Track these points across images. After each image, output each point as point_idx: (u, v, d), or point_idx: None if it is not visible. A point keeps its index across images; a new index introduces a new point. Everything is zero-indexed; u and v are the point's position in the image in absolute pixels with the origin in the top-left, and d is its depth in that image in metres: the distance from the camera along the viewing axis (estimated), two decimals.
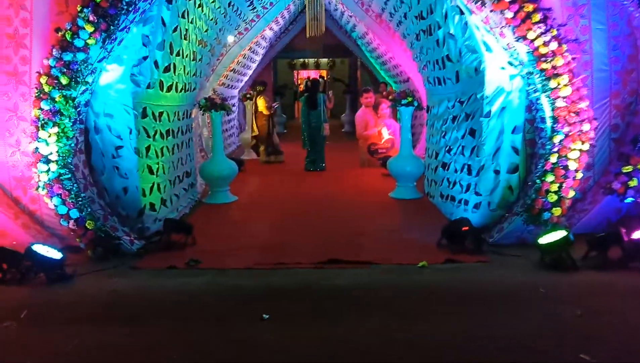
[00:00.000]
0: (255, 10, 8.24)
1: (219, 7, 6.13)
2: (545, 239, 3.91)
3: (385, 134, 8.92)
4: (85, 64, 3.87)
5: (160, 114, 5.00)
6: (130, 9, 3.95)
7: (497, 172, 4.60)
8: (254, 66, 11.69)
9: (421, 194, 6.61)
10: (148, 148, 4.75)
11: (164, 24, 4.51)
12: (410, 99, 6.40)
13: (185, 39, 5.09)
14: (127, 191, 4.51)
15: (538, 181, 4.22)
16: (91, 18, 3.80)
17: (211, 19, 5.98)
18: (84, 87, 3.96)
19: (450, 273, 3.93)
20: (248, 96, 10.46)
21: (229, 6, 6.66)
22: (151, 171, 4.82)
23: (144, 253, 4.26)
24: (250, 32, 8.71)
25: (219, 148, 6.47)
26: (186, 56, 5.28)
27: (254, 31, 8.72)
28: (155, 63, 4.58)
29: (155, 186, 4.89)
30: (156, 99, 4.80)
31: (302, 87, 19.45)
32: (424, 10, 5.20)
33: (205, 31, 5.93)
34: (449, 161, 5.35)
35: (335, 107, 16.00)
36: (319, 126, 9.04)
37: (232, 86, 10.99)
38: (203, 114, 6.55)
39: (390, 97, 10.74)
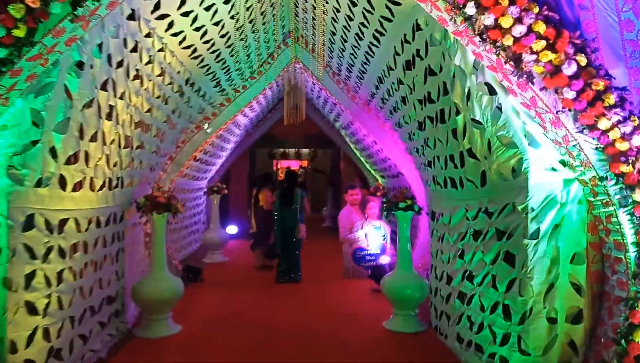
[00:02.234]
0: (224, 92, 7.07)
1: (169, 84, 4.85)
2: None
3: (374, 238, 7.48)
4: None
5: (63, 222, 3.46)
6: (5, 68, 2.56)
7: (551, 320, 3.10)
8: (224, 154, 10.41)
9: (425, 326, 5.02)
10: (31, 275, 3.15)
11: (69, 96, 3.13)
12: (409, 202, 5.03)
13: (108, 118, 3.70)
14: None
15: (621, 341, 2.74)
16: None
17: (157, 97, 4.67)
18: None
19: None
20: (215, 189, 9.06)
21: (186, 84, 5.41)
22: (33, 310, 3.18)
23: None
24: (219, 117, 7.48)
25: (159, 262, 4.87)
26: (111, 142, 3.86)
27: (224, 116, 7.49)
28: (52, 150, 3.13)
29: (39, 331, 3.23)
30: (53, 202, 3.29)
31: (281, 175, 18.32)
32: (434, 91, 3.97)
33: (147, 111, 4.59)
34: (471, 292, 3.85)
35: (316, 199, 14.71)
36: (293, 226, 7.54)
37: (197, 177, 9.60)
38: (141, 217, 5.02)
39: (379, 193, 9.49)
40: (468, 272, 3.90)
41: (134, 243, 5.35)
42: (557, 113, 2.85)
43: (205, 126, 7.40)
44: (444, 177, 4.20)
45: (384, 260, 7.36)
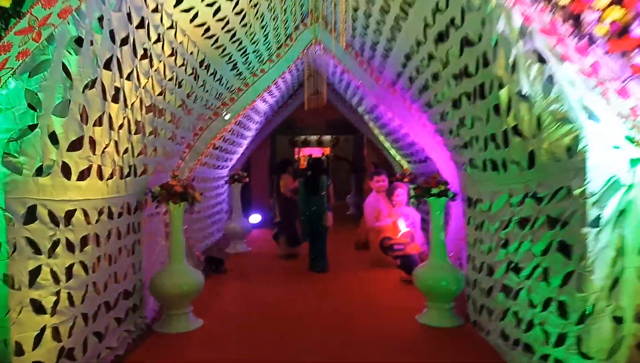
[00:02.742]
0: (241, 76, 6.75)
1: (182, 65, 4.54)
2: None
3: (403, 227, 7.11)
4: None
5: (69, 214, 3.20)
6: None
7: (617, 320, 2.70)
8: (245, 142, 10.14)
9: (462, 321, 4.66)
10: (35, 271, 2.90)
11: (68, 75, 2.84)
12: (442, 187, 4.64)
13: (114, 101, 3.41)
14: None
15: None
16: None
17: (169, 79, 4.37)
18: None
19: None
20: (236, 177, 8.80)
21: (201, 67, 5.10)
22: (39, 309, 2.94)
23: None
24: (237, 102, 7.18)
25: (177, 254, 4.62)
26: (119, 127, 3.58)
27: (242, 102, 7.19)
28: (53, 136, 2.86)
29: (48, 331, 2.99)
30: (57, 193, 3.02)
31: (303, 163, 18.00)
32: (472, 64, 3.54)
33: (159, 94, 4.29)
34: (517, 285, 3.46)
35: (339, 187, 14.35)
36: (320, 215, 7.31)
37: (218, 166, 9.35)
38: (156, 207, 4.76)
39: (406, 179, 9.09)
40: (513, 264, 3.51)
41: (153, 233, 5.11)
42: (624, 81, 2.43)
43: (224, 112, 7.11)
44: (483, 159, 3.79)
45: (413, 249, 7.00)
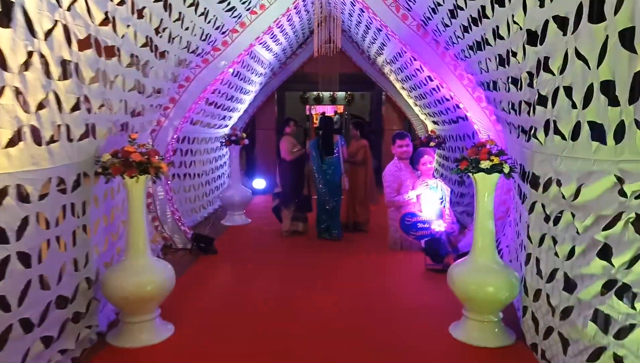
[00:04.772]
0: (235, 12, 5.41)
1: None
2: None
3: (430, 202, 5.89)
4: None
5: None
6: None
7: None
8: (246, 98, 8.84)
9: (513, 337, 3.51)
10: None
11: None
12: (496, 160, 3.37)
13: (4, 25, 2.17)
14: None
15: None
16: None
17: (119, 2, 3.08)
18: None
19: None
20: (233, 138, 7.57)
21: None
22: None
23: None
24: (230, 47, 5.87)
25: (138, 245, 3.48)
26: (25, 67, 2.35)
27: (237, 46, 5.87)
28: None
29: None
30: None
31: (316, 122, 16.68)
32: None
33: (104, 24, 3.02)
34: (626, 319, 2.26)
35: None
36: (336, 178, 6.46)
37: (214, 125, 8.13)
38: (106, 182, 3.56)
39: (432, 143, 7.76)
40: (619, 285, 2.29)
41: (113, 216, 3.99)
42: None
43: (222, 62, 5.82)
44: (575, 122, 2.49)
45: (438, 226, 5.82)
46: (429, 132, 8.22)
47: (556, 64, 2.49)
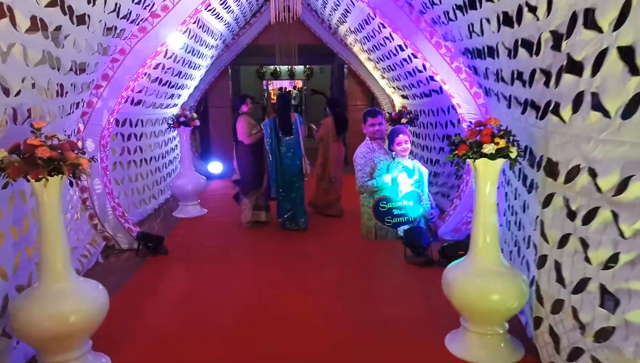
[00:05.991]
0: None
1: None
2: None
3: (406, 185, 5.31)
4: None
5: None
6: None
7: None
8: (197, 73, 7.91)
9: (522, 352, 2.99)
10: None
11: None
12: (502, 143, 2.77)
13: None
14: None
15: None
16: None
17: None
18: None
19: None
20: (182, 120, 6.70)
21: None
22: None
23: None
24: (172, 12, 4.98)
25: (55, 266, 2.69)
26: None
27: (180, 11, 4.99)
28: None
29: None
30: None
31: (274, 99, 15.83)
32: None
33: None
34: None
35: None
36: (296, 161, 5.75)
37: (162, 104, 7.20)
38: (4, 186, 2.71)
39: (403, 120, 7.15)
40: None
41: (27, 225, 3.15)
42: None
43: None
44: (632, 95, 1.87)
45: (417, 211, 5.29)
46: (401, 108, 7.60)
47: (608, 17, 1.86)
